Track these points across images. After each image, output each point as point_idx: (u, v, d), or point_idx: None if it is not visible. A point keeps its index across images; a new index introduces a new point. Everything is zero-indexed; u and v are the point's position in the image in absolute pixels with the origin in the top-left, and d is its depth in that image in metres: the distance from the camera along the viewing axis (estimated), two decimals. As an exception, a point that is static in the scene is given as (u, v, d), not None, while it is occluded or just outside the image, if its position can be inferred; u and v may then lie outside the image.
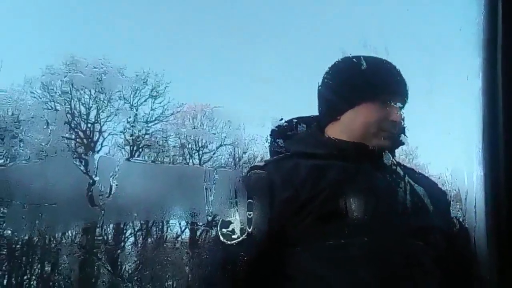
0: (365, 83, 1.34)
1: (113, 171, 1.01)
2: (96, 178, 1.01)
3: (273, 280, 1.20)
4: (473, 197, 0.86)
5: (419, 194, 1.29)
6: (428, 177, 1.40)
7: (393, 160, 1.36)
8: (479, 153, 0.84)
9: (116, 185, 1.02)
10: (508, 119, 0.82)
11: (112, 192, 1.03)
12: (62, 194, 1.02)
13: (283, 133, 1.46)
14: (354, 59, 1.40)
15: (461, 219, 1.22)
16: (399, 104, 1.34)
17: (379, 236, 1.18)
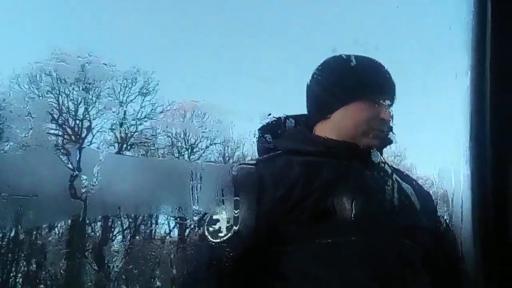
0: (356, 81, 1.34)
1: (96, 163, 0.99)
2: (79, 171, 0.99)
3: (262, 279, 1.19)
4: (460, 195, 0.86)
5: (408, 193, 1.30)
6: (412, 177, 1.41)
7: (382, 158, 1.36)
8: (467, 151, 0.84)
9: (100, 177, 1.00)
10: (496, 118, 0.82)
11: (95, 185, 1.00)
12: (44, 186, 1.00)
13: (271, 131, 1.45)
14: (344, 58, 1.39)
15: (448, 218, 1.22)
16: (388, 103, 1.34)
17: (370, 235, 1.17)
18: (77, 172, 1.00)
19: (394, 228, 1.21)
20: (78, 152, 1.02)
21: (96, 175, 1.01)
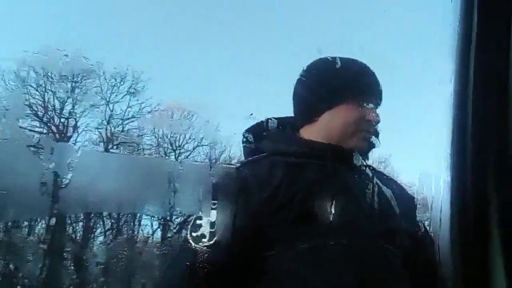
0: (343, 84, 1.34)
1: (70, 159, 0.96)
2: (52, 166, 0.96)
3: (248, 282, 1.18)
4: (440, 201, 0.85)
5: (390, 197, 1.30)
6: (396, 181, 1.42)
7: (366, 162, 1.37)
8: (448, 158, 0.83)
9: (72, 174, 0.97)
10: (477, 125, 0.82)
11: (67, 182, 0.97)
12: (14, 181, 0.96)
13: (258, 133, 1.45)
14: (331, 60, 1.40)
15: (428, 223, 1.22)
16: (375, 105, 1.35)
17: (351, 238, 1.18)
18: (49, 168, 0.97)
19: (374, 232, 1.21)
20: (51, 147, 0.98)
21: (69, 172, 0.98)
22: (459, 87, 0.87)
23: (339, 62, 1.40)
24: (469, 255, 0.72)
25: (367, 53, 1.40)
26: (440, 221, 0.80)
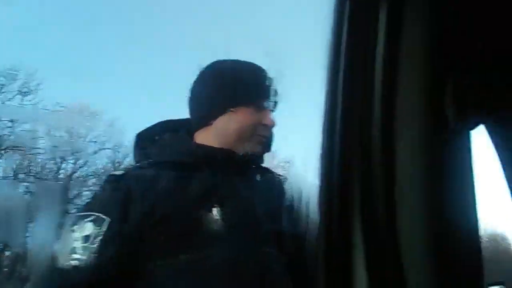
0: (238, 87, 1.33)
1: None
2: None
3: None
4: (308, 204, 0.87)
5: (277, 199, 1.31)
6: (283, 183, 1.43)
7: (259, 166, 1.37)
8: (318, 161, 0.85)
9: None
10: (344, 130, 0.84)
11: None
12: None
13: (149, 138, 1.39)
14: (225, 63, 1.38)
15: (302, 226, 1.25)
16: (271, 108, 1.35)
17: (236, 247, 1.17)
18: None
19: (257, 238, 1.22)
20: None
21: None
22: (329, 95, 0.89)
23: (233, 65, 1.39)
24: (333, 261, 0.74)
25: (240, 56, 1.40)
26: (308, 223, 0.81)
